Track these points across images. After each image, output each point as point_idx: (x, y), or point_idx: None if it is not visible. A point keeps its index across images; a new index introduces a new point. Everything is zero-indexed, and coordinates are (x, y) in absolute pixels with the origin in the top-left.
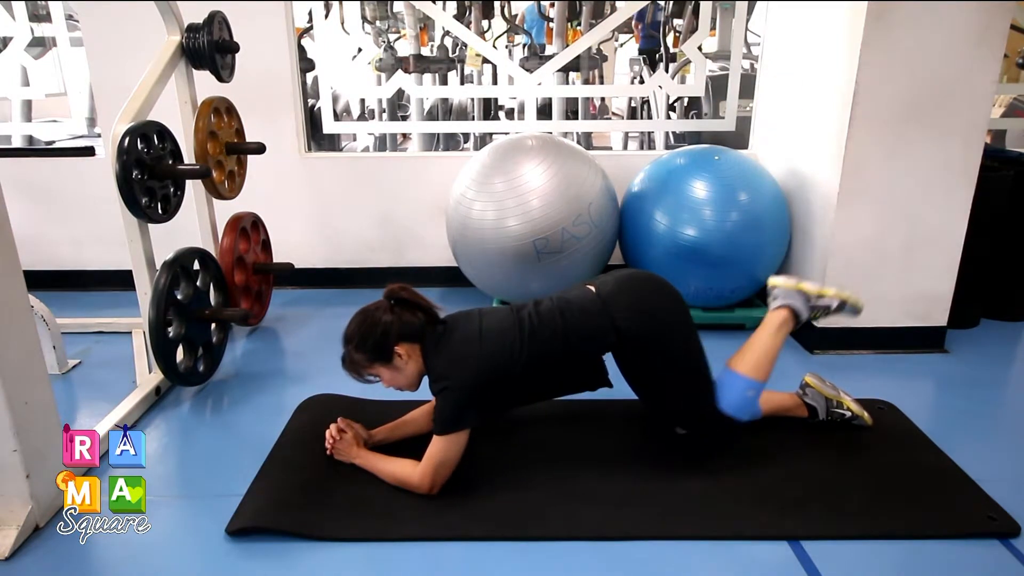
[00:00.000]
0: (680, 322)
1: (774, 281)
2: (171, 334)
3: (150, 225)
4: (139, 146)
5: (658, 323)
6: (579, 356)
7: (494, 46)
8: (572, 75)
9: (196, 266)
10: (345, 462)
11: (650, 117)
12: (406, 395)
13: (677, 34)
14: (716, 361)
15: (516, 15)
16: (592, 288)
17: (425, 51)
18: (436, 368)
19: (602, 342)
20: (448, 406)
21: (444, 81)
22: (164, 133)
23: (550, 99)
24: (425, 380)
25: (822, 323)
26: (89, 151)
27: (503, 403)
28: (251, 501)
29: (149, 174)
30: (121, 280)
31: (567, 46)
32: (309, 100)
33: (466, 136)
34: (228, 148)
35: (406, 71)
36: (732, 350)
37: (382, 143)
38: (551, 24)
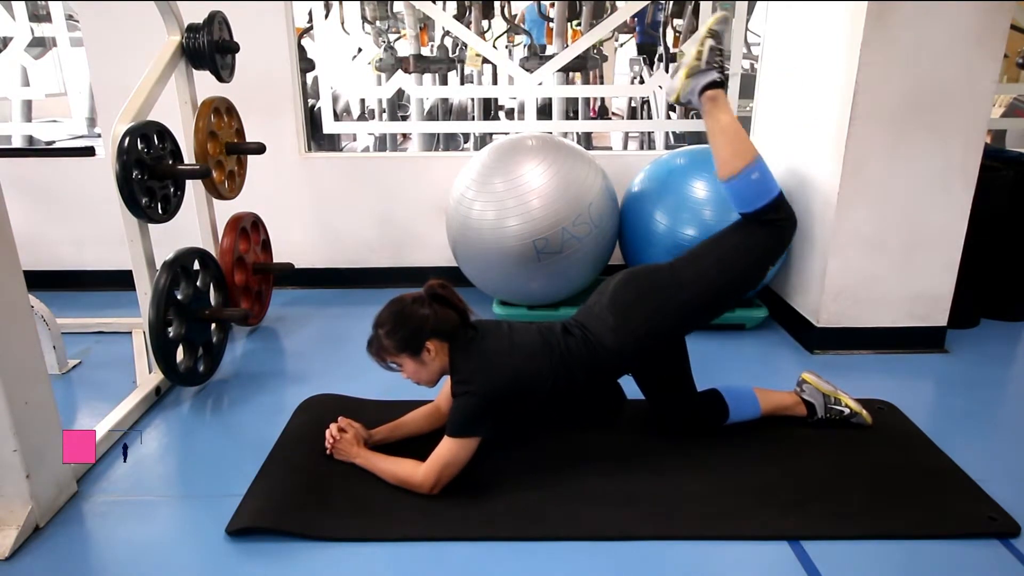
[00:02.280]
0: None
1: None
2: (171, 334)
3: (150, 225)
4: (139, 146)
5: (671, 323)
6: (599, 385)
7: (494, 46)
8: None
9: (196, 266)
10: (345, 462)
11: (650, 117)
12: (406, 395)
13: (677, 34)
14: (716, 362)
15: (516, 15)
16: (606, 318)
17: (425, 51)
18: (462, 371)
19: (624, 370)
20: (466, 410)
21: (444, 81)
22: (164, 133)
23: (550, 99)
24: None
25: (822, 323)
26: (89, 151)
27: (519, 421)
28: (251, 501)
29: (149, 174)
30: (121, 280)
31: (567, 46)
32: (309, 100)
33: (466, 136)
34: (228, 148)
35: (406, 71)
36: (732, 350)
37: (382, 143)
38: (551, 24)
